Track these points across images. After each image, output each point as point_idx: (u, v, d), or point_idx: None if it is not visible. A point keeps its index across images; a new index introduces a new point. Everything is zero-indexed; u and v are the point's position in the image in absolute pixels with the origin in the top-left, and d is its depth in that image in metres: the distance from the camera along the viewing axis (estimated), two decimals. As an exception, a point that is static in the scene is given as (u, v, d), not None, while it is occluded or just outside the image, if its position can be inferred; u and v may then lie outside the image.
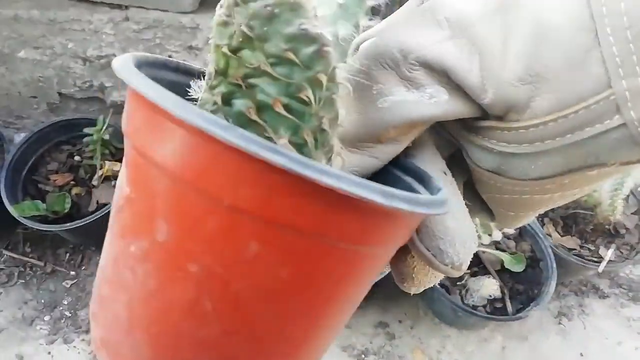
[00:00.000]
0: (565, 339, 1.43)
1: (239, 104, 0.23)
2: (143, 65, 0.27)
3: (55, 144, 1.50)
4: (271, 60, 0.22)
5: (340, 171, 0.20)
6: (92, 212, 1.34)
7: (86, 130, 1.40)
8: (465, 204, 0.32)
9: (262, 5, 0.20)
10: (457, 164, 0.33)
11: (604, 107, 0.24)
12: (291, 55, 0.21)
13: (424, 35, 0.27)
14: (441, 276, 0.32)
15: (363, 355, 1.36)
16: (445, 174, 0.30)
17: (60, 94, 1.57)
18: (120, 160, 1.48)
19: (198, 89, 0.25)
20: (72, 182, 1.44)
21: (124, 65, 0.23)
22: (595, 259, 1.36)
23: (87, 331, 1.37)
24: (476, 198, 0.34)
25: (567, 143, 0.26)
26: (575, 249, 1.38)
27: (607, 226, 1.41)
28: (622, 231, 1.42)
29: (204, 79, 0.25)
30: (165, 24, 1.42)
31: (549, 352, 1.40)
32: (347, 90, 0.25)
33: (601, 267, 1.33)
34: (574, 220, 1.44)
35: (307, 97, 0.22)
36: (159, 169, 0.22)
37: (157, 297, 0.24)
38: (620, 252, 1.39)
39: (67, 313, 1.41)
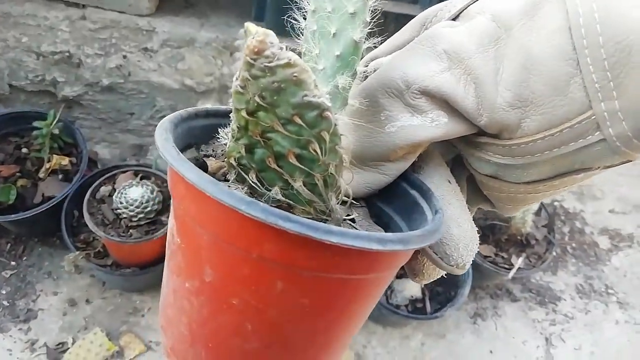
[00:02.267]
0: (478, 337, 1.58)
1: (260, 153, 0.28)
2: (179, 123, 0.32)
3: (3, 135, 1.50)
4: (282, 121, 0.26)
5: (342, 229, 0.24)
6: (38, 205, 1.37)
7: (36, 123, 1.42)
8: (469, 195, 0.37)
9: (270, 82, 0.24)
10: (461, 162, 0.37)
11: (586, 126, 0.28)
12: (298, 120, 0.25)
13: (424, 67, 0.30)
14: None
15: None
16: (449, 182, 0.34)
17: (10, 85, 1.58)
18: (68, 155, 1.50)
19: (225, 135, 0.30)
20: (17, 174, 1.44)
21: (166, 147, 0.28)
22: (507, 266, 1.51)
23: (25, 321, 1.39)
24: (478, 190, 0.37)
25: (554, 155, 0.30)
26: (490, 256, 1.53)
27: (519, 237, 1.57)
28: (533, 242, 1.58)
29: (230, 118, 0.30)
30: (122, 25, 1.46)
31: (462, 349, 1.54)
32: (358, 118, 0.31)
33: (511, 274, 1.48)
34: (492, 230, 1.59)
35: (315, 150, 0.26)
36: (201, 227, 0.28)
37: (210, 321, 0.30)
38: (530, 260, 1.56)
39: (5, 302, 1.41)
